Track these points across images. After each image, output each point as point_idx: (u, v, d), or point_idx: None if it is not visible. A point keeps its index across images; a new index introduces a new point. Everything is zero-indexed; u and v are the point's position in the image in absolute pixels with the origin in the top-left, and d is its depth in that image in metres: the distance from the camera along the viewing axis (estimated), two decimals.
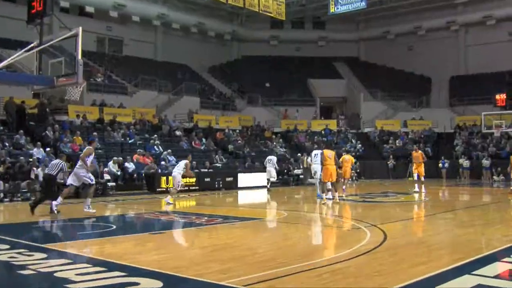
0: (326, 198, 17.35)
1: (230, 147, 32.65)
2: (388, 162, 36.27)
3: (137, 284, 6.29)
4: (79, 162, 14.28)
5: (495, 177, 32.43)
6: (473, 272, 6.84)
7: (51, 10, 13.49)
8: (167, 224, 13.07)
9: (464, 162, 34.47)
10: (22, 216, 14.20)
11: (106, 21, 41.81)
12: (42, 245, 9.17)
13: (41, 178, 19.66)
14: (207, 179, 25.43)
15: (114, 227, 12.27)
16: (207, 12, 46.91)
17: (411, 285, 6.27)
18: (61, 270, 6.95)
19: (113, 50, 43.74)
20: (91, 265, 7.40)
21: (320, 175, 17.76)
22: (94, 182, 14.69)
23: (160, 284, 6.29)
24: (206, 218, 13.64)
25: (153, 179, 23.64)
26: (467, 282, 6.36)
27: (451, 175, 34.49)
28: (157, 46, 46.14)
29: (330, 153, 17.34)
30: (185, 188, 23.62)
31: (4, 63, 13.14)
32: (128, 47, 43.98)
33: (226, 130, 35.11)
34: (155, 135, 29.04)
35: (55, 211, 13.72)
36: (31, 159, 20.88)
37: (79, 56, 11.96)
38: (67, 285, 6.19)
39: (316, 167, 18.33)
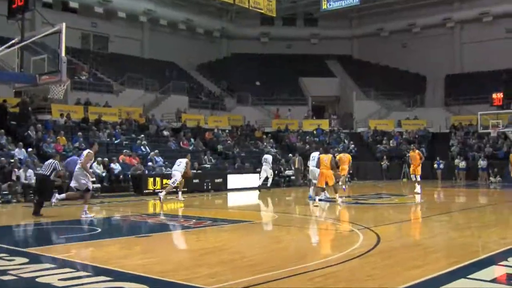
0: (319, 200, 17.53)
1: (219, 147, 32.61)
2: (382, 163, 36.38)
3: None
4: (78, 166, 14.19)
5: (491, 178, 32.50)
6: (469, 276, 6.87)
7: (33, 5, 13.43)
8: (154, 227, 13.03)
9: (460, 163, 34.61)
10: (2, 219, 14.11)
11: (91, 17, 41.62)
12: (24, 249, 9.10)
13: (23, 180, 19.59)
14: (196, 181, 25.34)
15: (99, 230, 12.21)
16: (195, 8, 46.88)
17: None
18: (43, 275, 6.91)
19: (98, 47, 43.52)
20: (75, 270, 7.37)
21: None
22: (90, 188, 14.65)
23: None
24: (194, 220, 13.61)
25: (139, 180, 23.55)
26: (463, 286, 6.38)
27: (446, 176, 34.66)
28: (144, 43, 45.99)
29: (326, 158, 17.57)
30: (173, 189, 23.63)
31: None
32: (114, 44, 43.79)
33: (215, 130, 35.07)
34: (142, 135, 28.93)
35: (52, 204, 13.68)
36: (12, 160, 20.71)
37: (63, 53, 11.90)
38: None
39: (313, 169, 18.67)
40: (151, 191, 22.86)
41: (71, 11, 39.82)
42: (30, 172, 19.91)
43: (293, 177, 30.37)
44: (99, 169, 22.99)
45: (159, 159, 26.27)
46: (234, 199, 23.34)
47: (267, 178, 25.94)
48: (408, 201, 20.48)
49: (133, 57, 43.25)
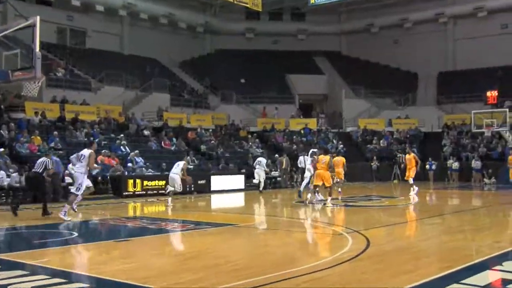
0: (316, 201, 18.37)
1: (203, 147, 32.57)
2: (372, 164, 36.49)
3: None
4: (79, 164, 14.68)
5: (486, 180, 32.71)
6: (462, 281, 6.90)
7: None
8: (135, 231, 12.98)
9: (453, 164, 34.76)
10: None
11: (67, 10, 41.35)
12: None
13: None
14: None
15: (76, 234, 12.14)
16: (177, 2, 46.73)
17: None
18: (16, 283, 6.84)
19: (75, 42, 43.26)
20: (49, 276, 7.30)
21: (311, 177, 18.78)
22: (79, 193, 14.80)
23: None
24: (176, 224, 13.59)
25: (119, 182, 23.47)
26: None
27: (438, 177, 34.80)
28: (124, 38, 45.77)
29: (324, 159, 17.96)
30: (154, 192, 23.58)
31: None
32: (92, 39, 43.50)
33: (198, 130, 35.00)
34: (122, 135, 28.83)
35: (66, 217, 13.99)
36: None
37: (37, 48, 11.80)
38: None
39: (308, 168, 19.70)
40: (131, 193, 22.79)
41: (46, 4, 39.61)
42: (1, 173, 19.76)
43: (279, 179, 30.41)
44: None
45: (140, 160, 26.19)
46: (218, 201, 23.32)
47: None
48: (399, 203, 20.60)
49: (112, 53, 43.06)
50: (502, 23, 45.65)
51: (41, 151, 23.56)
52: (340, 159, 23.00)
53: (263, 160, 26.98)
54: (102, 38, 43.43)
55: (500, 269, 7.84)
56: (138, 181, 23.45)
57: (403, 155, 34.57)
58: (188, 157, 21.56)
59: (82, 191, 14.79)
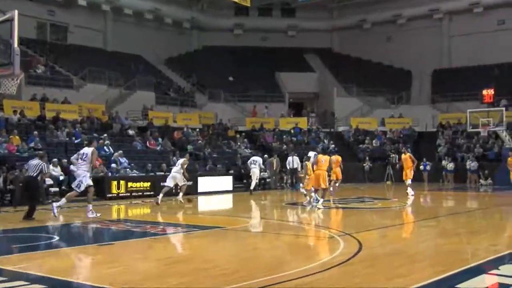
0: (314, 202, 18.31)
1: (189, 147, 32.44)
2: (364, 164, 36.57)
3: None
4: (81, 162, 15.26)
5: (482, 181, 32.83)
6: (458, 286, 6.94)
7: None
8: (118, 234, 12.94)
9: (448, 164, 34.85)
10: None
11: (47, 4, 41.20)
12: None
13: None
14: (164, 184, 25.25)
15: (57, 238, 12.09)
16: None
17: None
18: None
19: (56, 37, 43.06)
20: (29, 283, 7.27)
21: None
22: (79, 191, 15.50)
23: None
24: (162, 227, 13.57)
25: (102, 183, 23.34)
26: None
27: (433, 178, 34.87)
28: (107, 34, 45.60)
29: (323, 158, 18.28)
30: (139, 193, 23.53)
31: None
32: (74, 34, 43.31)
33: (185, 129, 34.94)
34: (105, 135, 28.68)
35: (95, 214, 15.05)
36: None
37: (15, 44, 11.72)
38: None
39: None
40: (115, 195, 22.72)
41: None
42: None
43: (269, 180, 30.43)
44: (56, 172, 22.73)
45: (124, 160, 26.09)
46: (205, 203, 23.31)
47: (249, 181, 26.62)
48: (392, 205, 20.64)
49: (95, 49, 42.90)
50: (499, 19, 45.78)
51: (20, 152, 23.45)
52: (336, 158, 23.24)
53: (259, 159, 27.35)
54: (85, 34, 43.23)
55: (496, 273, 7.86)
56: (122, 182, 23.40)
57: (397, 156, 34.78)
58: (188, 155, 21.63)
59: (82, 189, 15.33)
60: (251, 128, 40.10)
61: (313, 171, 18.36)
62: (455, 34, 48.47)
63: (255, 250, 10.48)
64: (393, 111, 43.19)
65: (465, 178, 33.92)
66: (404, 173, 23.56)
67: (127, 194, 23.33)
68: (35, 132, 25.77)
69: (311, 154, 19.32)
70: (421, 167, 34.82)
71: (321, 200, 18.21)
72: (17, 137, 24.69)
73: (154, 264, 8.95)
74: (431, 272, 8.01)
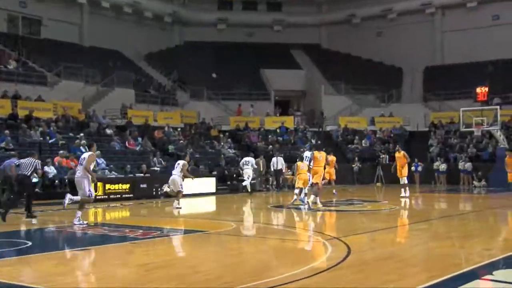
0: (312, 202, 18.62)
1: (171, 147, 32.44)
2: (353, 165, 36.63)
3: None
4: (80, 168, 15.00)
5: (475, 182, 32.91)
6: None
7: None
8: (96, 239, 12.88)
9: (440, 165, 34.98)
10: None
11: None
12: None
13: None
14: (143, 186, 25.21)
15: (30, 243, 12.01)
16: None
17: None
18: None
19: (29, 31, 42.83)
20: None
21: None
22: (93, 197, 15.34)
23: None
24: (141, 231, 13.51)
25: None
26: None
27: (425, 179, 35.00)
28: (83, 28, 45.44)
29: (320, 155, 18.78)
30: (117, 196, 23.44)
31: None
32: (48, 28, 43.09)
33: (166, 128, 34.90)
34: (81, 134, 28.57)
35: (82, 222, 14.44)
36: None
37: None
38: None
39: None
40: None
41: None
42: None
43: (254, 181, 30.42)
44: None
45: (101, 161, 25.97)
46: (187, 206, 23.23)
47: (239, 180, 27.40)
48: (382, 207, 20.71)
49: (70, 44, 42.69)
50: (493, 14, 46.12)
51: None
52: (331, 158, 23.43)
53: (251, 159, 27.98)
54: (59, 28, 43.01)
55: (490, 278, 7.91)
56: (99, 184, 23.28)
57: (387, 156, 34.94)
58: (188, 155, 21.64)
59: (93, 194, 15.24)
60: (235, 128, 40.12)
61: (310, 168, 18.81)
62: (448, 29, 48.76)
63: (240, 255, 10.49)
64: (383, 110, 43.40)
65: (458, 179, 33.98)
66: (398, 170, 23.88)
67: (104, 196, 23.20)
68: (7, 131, 25.59)
69: (308, 154, 19.71)
70: (413, 168, 34.84)
71: (313, 197, 18.65)
72: None
73: (134, 270, 8.93)
74: (423, 277, 8.04)
